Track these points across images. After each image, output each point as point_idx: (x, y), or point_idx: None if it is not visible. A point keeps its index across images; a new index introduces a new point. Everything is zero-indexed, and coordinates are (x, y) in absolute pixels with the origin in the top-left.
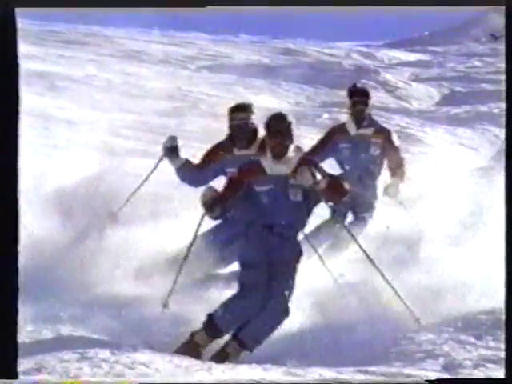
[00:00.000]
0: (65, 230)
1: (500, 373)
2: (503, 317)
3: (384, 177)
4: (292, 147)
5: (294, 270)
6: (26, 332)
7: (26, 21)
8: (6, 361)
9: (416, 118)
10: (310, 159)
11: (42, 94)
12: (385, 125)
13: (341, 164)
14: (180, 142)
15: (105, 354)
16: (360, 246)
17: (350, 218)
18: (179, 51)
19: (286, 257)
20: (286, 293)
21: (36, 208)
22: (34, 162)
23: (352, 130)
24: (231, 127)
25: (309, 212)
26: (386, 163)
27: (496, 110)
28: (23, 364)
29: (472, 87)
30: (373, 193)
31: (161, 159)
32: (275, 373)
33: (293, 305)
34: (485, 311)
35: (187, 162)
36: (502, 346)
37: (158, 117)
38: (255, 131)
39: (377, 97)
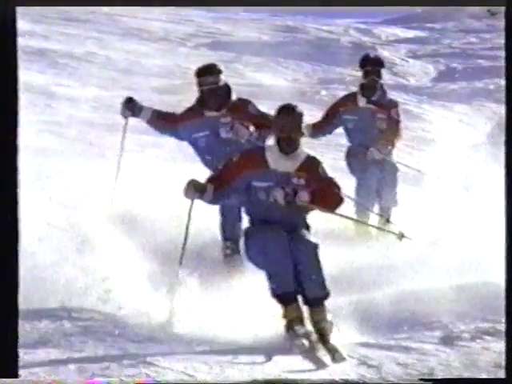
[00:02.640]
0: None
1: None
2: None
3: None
4: (301, 141)
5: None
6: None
7: None
8: (6, 360)
9: (413, 95)
10: (314, 160)
11: (44, 71)
12: None
13: (348, 136)
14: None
15: (108, 327)
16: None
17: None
18: (178, 28)
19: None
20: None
21: (38, 185)
22: (37, 139)
23: (361, 102)
24: (202, 92)
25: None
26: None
27: (492, 86)
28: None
29: (468, 63)
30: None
31: (126, 122)
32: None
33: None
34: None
35: (154, 111)
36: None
37: (157, 94)
38: (228, 92)
39: None
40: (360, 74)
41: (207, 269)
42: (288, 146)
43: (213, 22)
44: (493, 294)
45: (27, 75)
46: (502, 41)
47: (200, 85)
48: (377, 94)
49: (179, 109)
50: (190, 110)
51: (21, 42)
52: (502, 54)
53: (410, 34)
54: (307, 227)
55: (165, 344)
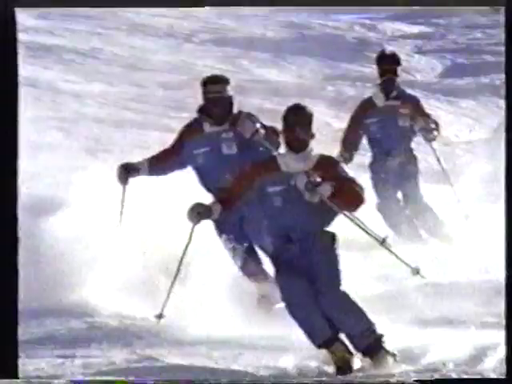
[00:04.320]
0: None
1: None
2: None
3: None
4: (312, 142)
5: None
6: None
7: None
8: (6, 360)
9: (420, 90)
10: (330, 158)
11: (50, 67)
12: None
13: (370, 142)
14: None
15: (114, 322)
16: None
17: (399, 194)
18: (183, 24)
19: (317, 258)
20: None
21: (42, 181)
22: (43, 135)
23: (380, 101)
24: (205, 101)
25: (330, 214)
26: (416, 130)
27: (498, 82)
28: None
29: (474, 59)
30: (411, 167)
31: (124, 187)
32: None
33: None
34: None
35: (151, 161)
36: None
37: (163, 89)
38: (231, 105)
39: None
40: (366, 69)
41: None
42: (298, 145)
43: (218, 18)
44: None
45: (33, 71)
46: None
47: (205, 93)
48: (395, 92)
49: (184, 104)
50: (187, 126)
51: (26, 37)
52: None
53: (415, 29)
54: (333, 239)
55: None
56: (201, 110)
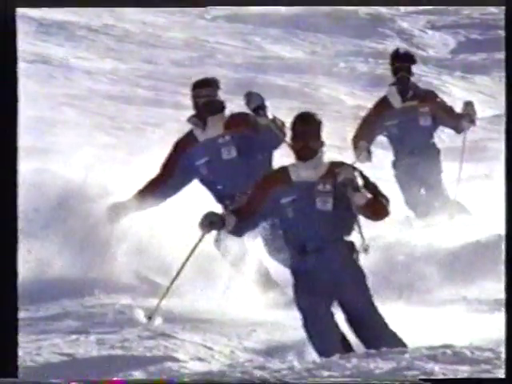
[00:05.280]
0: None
1: None
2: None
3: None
4: (322, 150)
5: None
6: None
7: None
8: (6, 359)
9: (433, 66)
10: (342, 164)
11: (62, 44)
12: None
13: (392, 142)
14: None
15: (126, 300)
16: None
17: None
18: (196, 0)
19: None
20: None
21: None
22: (56, 112)
23: (397, 102)
24: (195, 106)
25: (347, 223)
26: (443, 125)
27: None
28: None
29: (488, 34)
30: (436, 168)
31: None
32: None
33: None
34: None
35: (139, 195)
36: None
37: (175, 66)
38: (223, 109)
39: (393, 45)
40: (379, 46)
41: None
42: (307, 154)
43: None
44: None
45: (45, 48)
46: None
47: (194, 98)
48: (411, 92)
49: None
50: (180, 141)
51: (38, 14)
52: None
53: (429, 4)
54: (351, 248)
55: None
56: (191, 119)
